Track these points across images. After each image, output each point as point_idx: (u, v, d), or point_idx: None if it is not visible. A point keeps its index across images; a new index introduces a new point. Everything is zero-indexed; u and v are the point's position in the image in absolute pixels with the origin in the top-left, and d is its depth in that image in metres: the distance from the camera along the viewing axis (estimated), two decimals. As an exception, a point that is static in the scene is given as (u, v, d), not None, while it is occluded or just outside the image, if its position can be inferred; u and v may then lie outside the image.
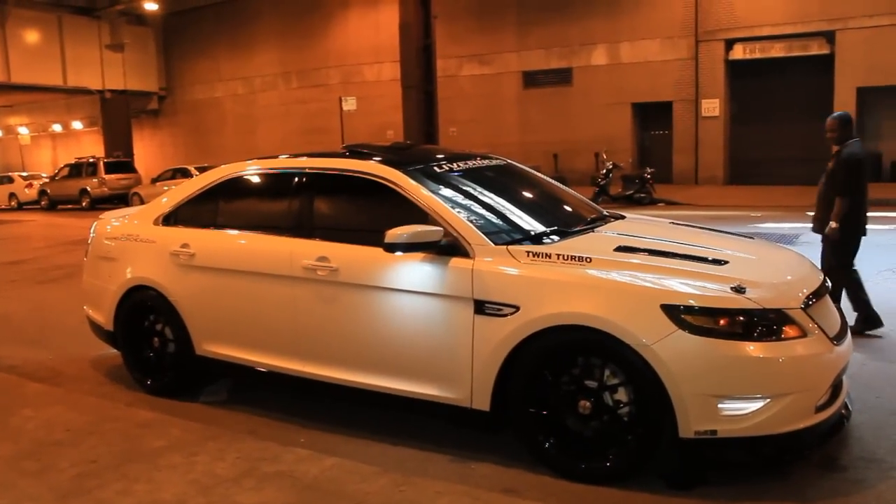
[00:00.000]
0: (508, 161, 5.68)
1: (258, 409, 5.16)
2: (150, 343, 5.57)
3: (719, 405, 3.59)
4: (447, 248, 4.18)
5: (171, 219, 5.57)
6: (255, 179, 5.40)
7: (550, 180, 5.85)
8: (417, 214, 4.36)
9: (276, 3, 32.95)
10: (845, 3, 21.66)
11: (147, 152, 38.50)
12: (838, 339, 3.99)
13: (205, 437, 4.70)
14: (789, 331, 3.71)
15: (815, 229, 6.87)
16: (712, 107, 23.71)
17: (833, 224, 6.46)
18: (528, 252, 4.08)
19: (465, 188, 4.80)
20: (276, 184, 5.26)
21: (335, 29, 31.52)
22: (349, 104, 27.04)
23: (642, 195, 19.57)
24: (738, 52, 23.57)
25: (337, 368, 4.64)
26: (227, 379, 5.62)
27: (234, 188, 5.44)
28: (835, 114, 6.79)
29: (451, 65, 27.13)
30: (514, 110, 27.43)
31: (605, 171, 20.14)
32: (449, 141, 24.92)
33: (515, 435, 4.14)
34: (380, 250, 4.21)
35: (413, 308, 4.32)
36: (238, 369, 5.16)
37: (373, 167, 4.73)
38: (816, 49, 22.48)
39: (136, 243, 5.62)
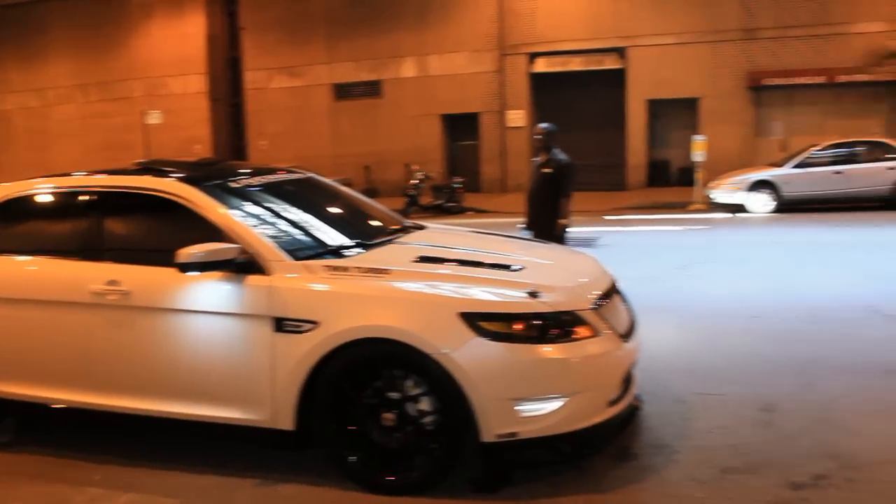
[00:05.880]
0: (310, 175, 5.62)
1: (49, 450, 4.75)
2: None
3: (518, 407, 3.70)
4: (244, 265, 4.06)
5: (-56, 245, 5.04)
6: (41, 199, 4.99)
7: (353, 193, 5.84)
8: (213, 232, 4.20)
9: (69, 11, 30.99)
10: (634, 23, 23.28)
11: (-75, 171, 35.06)
12: (627, 336, 4.23)
13: (-18, 485, 4.29)
14: (582, 331, 3.87)
15: (527, 227, 7.56)
16: (517, 117, 24.66)
17: (563, 221, 7.40)
18: (325, 266, 4.04)
19: (263, 203, 4.68)
20: (65, 203, 4.87)
21: (137, 39, 30.05)
22: (154, 118, 25.82)
23: (452, 204, 20.06)
24: (541, 66, 24.67)
25: (135, 398, 4.37)
26: (13, 419, 5.14)
27: (18, 209, 4.98)
28: (545, 124, 7.76)
29: (260, 77, 26.58)
30: (325, 123, 27.26)
31: (415, 181, 20.45)
32: (260, 155, 24.41)
33: (322, 452, 4.07)
34: (175, 271, 4.02)
35: (211, 329, 4.16)
36: (28, 407, 4.72)
37: (165, 184, 4.52)
38: (610, 63, 23.96)
39: None
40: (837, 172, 16.96)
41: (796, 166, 17.34)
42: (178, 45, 28.65)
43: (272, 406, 4.00)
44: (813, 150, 17.61)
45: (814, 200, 16.92)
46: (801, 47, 22.42)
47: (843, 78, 22.20)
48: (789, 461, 4.12)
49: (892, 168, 16.76)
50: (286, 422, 3.99)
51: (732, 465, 4.09)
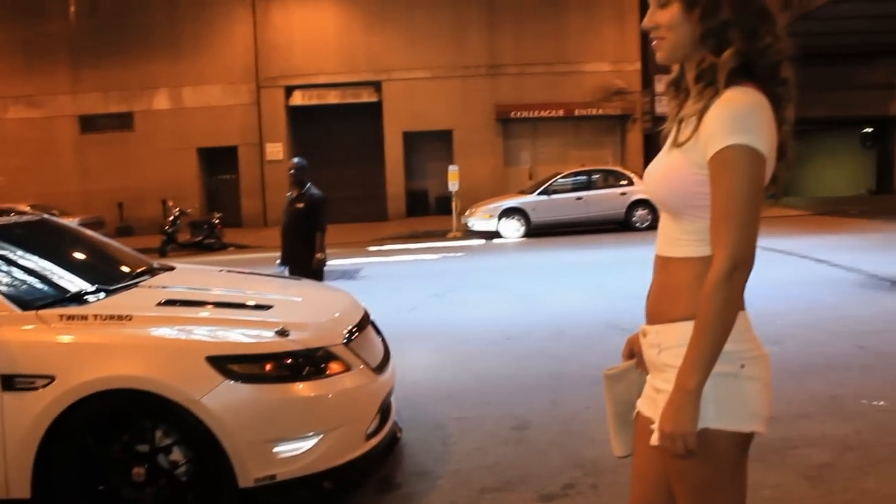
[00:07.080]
0: (44, 216, 5.23)
1: None
2: None
3: (275, 449, 3.63)
4: (-36, 319, 3.69)
5: None
6: None
7: (94, 234, 5.51)
8: (-73, 284, 3.79)
9: None
10: (388, 57, 24.03)
11: None
12: (381, 367, 4.30)
13: None
14: (334, 366, 3.89)
15: (283, 263, 7.59)
16: (276, 150, 24.47)
17: (320, 255, 7.39)
18: (61, 315, 3.76)
19: (-12, 250, 4.29)
20: None
21: None
22: None
23: (212, 241, 19.44)
24: (298, 99, 24.70)
25: None
26: None
27: None
28: (297, 159, 7.82)
29: (-8, 107, 24.43)
30: (71, 157, 25.44)
31: (172, 218, 19.59)
32: (-5, 192, 22.34)
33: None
34: None
35: (-74, 394, 3.72)
36: None
37: None
38: (367, 97, 24.52)
39: None
40: (579, 198, 18.42)
41: (542, 193, 18.61)
42: None
43: (3, 474, 3.64)
44: (557, 179, 19.00)
45: (559, 225, 18.23)
46: (542, 83, 24.22)
47: (580, 112, 24.28)
48: (541, 474, 4.36)
49: (624, 193, 18.44)
50: (21, 490, 3.64)
51: (489, 485, 4.26)
